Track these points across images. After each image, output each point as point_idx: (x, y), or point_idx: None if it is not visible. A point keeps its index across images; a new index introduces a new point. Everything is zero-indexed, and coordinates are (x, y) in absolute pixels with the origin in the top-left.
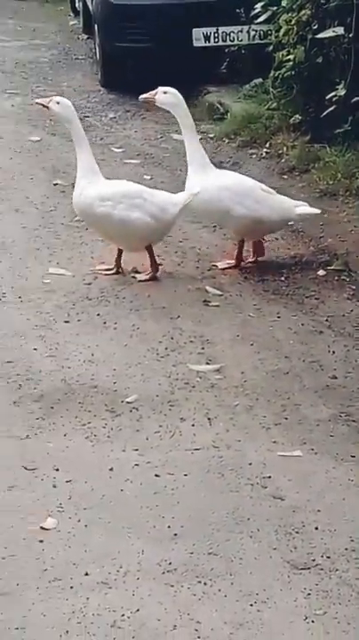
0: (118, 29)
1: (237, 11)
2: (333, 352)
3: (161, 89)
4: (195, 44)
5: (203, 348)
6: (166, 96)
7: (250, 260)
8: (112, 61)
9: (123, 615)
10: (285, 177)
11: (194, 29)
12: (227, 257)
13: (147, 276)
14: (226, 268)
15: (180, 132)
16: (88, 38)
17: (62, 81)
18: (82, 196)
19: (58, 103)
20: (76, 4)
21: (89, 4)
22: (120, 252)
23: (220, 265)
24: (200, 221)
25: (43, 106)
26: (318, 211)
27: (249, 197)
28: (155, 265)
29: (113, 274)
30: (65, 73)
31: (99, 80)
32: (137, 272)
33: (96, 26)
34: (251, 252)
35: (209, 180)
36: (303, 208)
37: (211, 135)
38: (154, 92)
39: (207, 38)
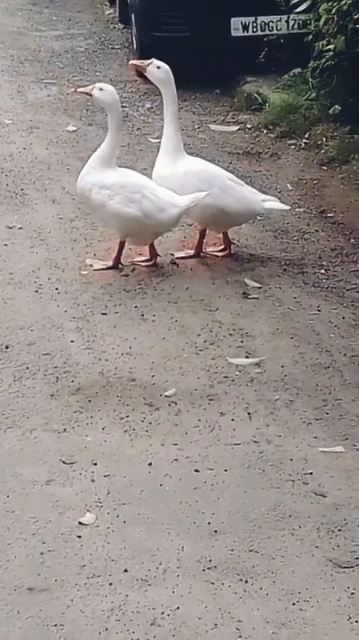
0: (155, 19)
1: (276, 0)
2: None
3: (155, 62)
4: (234, 33)
5: (242, 342)
6: (158, 71)
7: (212, 250)
8: (149, 51)
9: (162, 613)
10: (325, 168)
11: (232, 19)
12: (187, 247)
13: (106, 265)
14: (183, 258)
15: (218, 123)
16: (124, 28)
17: (98, 71)
18: (82, 181)
19: (101, 89)
20: None
21: None
22: (152, 242)
23: (178, 254)
24: None
25: (86, 94)
26: (287, 207)
27: (214, 186)
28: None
29: (151, 265)
30: (101, 63)
31: (135, 71)
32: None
33: (133, 15)
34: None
35: (176, 167)
36: (271, 203)
37: (249, 126)
38: (148, 61)
39: (245, 28)
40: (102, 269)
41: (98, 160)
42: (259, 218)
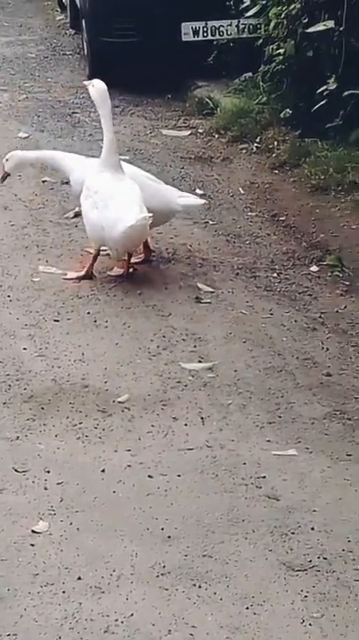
0: (106, 24)
1: (227, 4)
2: (327, 349)
3: (93, 81)
4: (184, 38)
5: (195, 346)
6: (92, 89)
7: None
8: (100, 56)
9: (116, 620)
10: (276, 172)
11: (183, 23)
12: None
13: (77, 275)
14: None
15: (170, 128)
16: (75, 33)
17: (50, 76)
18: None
19: (93, 86)
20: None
21: None
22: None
23: (70, 275)
24: (191, 217)
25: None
26: (202, 201)
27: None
28: (90, 265)
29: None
30: (52, 68)
31: (86, 75)
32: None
33: (83, 21)
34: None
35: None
36: (187, 199)
37: (201, 130)
38: (89, 81)
39: (196, 32)
40: (74, 279)
41: (98, 162)
42: (199, 220)
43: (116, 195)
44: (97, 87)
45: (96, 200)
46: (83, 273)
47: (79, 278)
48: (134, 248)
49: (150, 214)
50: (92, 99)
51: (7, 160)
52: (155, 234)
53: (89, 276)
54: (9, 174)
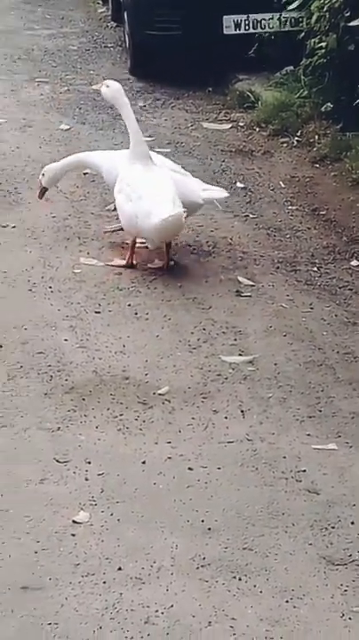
0: (148, 17)
1: None
2: None
3: (105, 82)
4: (226, 31)
5: (235, 340)
6: (107, 90)
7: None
8: (141, 49)
9: (156, 611)
10: (317, 166)
11: (224, 16)
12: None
13: (120, 263)
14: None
15: (211, 121)
16: (117, 26)
17: (91, 69)
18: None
19: (107, 87)
20: None
21: None
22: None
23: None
24: (232, 211)
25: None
26: (226, 194)
27: None
28: (130, 256)
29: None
30: (94, 61)
31: (128, 68)
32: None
33: (125, 13)
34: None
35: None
36: (209, 192)
37: (242, 124)
38: (100, 84)
39: (237, 25)
40: (117, 266)
41: (127, 155)
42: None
43: (150, 186)
44: (112, 87)
45: (129, 192)
46: (124, 262)
47: (123, 266)
48: (170, 239)
49: (185, 209)
50: (107, 99)
51: (43, 175)
52: (195, 227)
53: (131, 265)
54: (47, 189)
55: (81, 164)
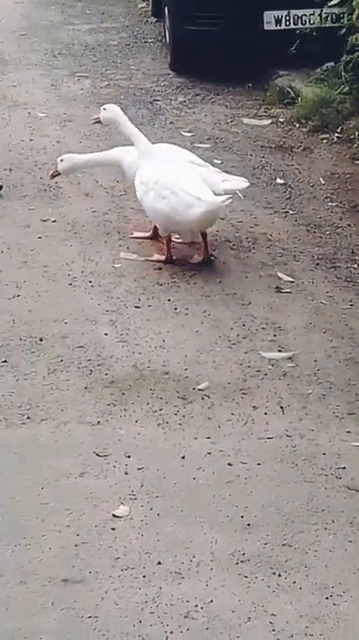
0: (188, 12)
1: None
2: None
3: (105, 106)
4: (266, 27)
5: (274, 336)
6: (104, 112)
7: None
8: (182, 45)
9: (196, 606)
10: (357, 162)
11: (265, 12)
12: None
13: (160, 258)
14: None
15: (251, 116)
16: (157, 21)
17: (131, 64)
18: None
19: (104, 109)
20: None
21: None
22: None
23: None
24: (272, 206)
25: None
26: (246, 184)
27: None
28: (168, 250)
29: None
30: (134, 56)
31: (168, 63)
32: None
33: (166, 9)
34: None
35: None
36: (230, 183)
37: (282, 119)
38: (97, 115)
39: (278, 21)
40: (157, 261)
41: (137, 154)
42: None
43: (179, 180)
44: (109, 109)
45: (159, 190)
46: (164, 258)
47: (162, 262)
48: (208, 227)
49: (229, 196)
50: (107, 122)
51: (62, 160)
52: (235, 223)
53: (170, 260)
54: (59, 174)
55: (103, 162)
